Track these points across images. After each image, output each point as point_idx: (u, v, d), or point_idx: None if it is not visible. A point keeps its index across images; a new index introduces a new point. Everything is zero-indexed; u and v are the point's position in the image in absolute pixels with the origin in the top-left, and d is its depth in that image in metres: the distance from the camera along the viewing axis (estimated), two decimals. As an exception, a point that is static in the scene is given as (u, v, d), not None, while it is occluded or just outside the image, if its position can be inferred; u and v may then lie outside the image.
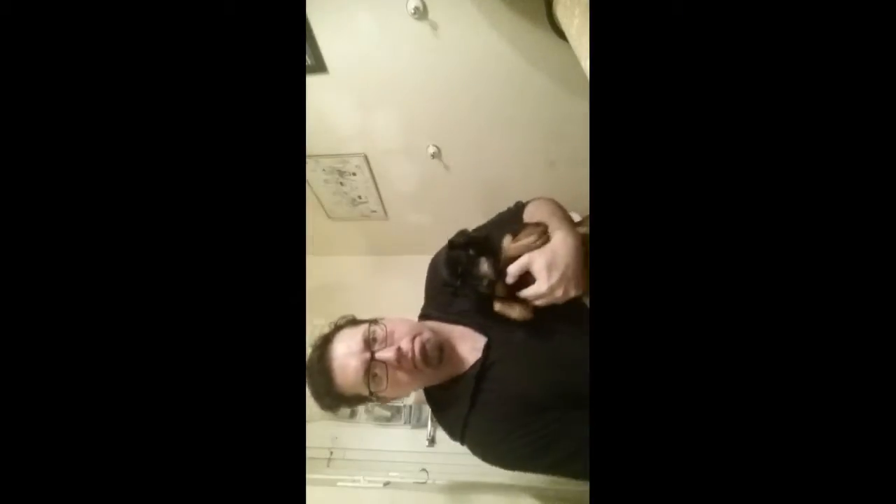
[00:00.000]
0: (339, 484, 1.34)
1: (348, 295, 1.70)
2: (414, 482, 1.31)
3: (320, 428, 1.52)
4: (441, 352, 0.64)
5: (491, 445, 0.62)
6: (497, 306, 0.66)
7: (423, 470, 1.31)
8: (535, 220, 0.67)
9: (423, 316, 0.76)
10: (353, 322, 0.69)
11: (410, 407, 1.53)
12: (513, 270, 0.60)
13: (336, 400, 0.64)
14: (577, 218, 0.72)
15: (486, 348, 0.67)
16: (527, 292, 0.60)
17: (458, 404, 0.65)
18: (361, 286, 1.72)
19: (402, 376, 0.62)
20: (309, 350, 0.66)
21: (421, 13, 1.03)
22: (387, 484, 1.33)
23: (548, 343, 0.65)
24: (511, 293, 0.63)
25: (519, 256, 0.61)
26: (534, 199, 0.72)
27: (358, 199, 1.56)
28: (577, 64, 0.67)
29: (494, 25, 1.06)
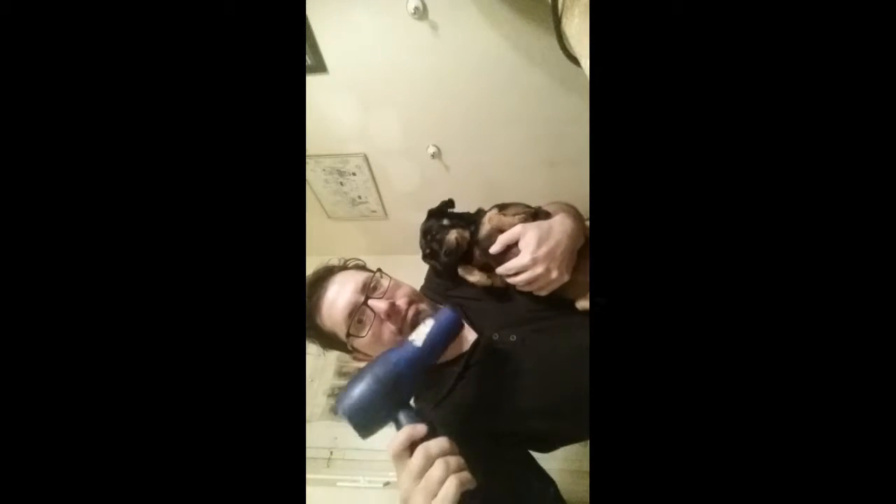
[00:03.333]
0: (339, 484, 1.34)
1: (348, 295, 1.69)
2: (414, 482, 1.30)
3: (320, 428, 1.51)
4: None
5: None
6: (459, 270, 0.66)
7: (423, 470, 1.31)
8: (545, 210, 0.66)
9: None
10: (363, 268, 0.68)
11: (410, 407, 1.52)
12: (501, 239, 0.58)
13: (312, 330, 0.62)
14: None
15: (475, 345, 0.65)
16: (508, 265, 0.57)
17: (431, 395, 0.63)
18: (361, 286, 1.71)
19: (385, 332, 0.60)
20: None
21: (421, 13, 1.03)
22: (387, 484, 1.33)
23: (535, 360, 0.62)
24: (491, 264, 0.62)
25: (501, 226, 0.60)
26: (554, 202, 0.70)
27: (358, 199, 1.56)
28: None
29: (494, 25, 1.06)
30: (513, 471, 0.59)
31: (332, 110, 1.27)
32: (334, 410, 0.47)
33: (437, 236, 0.64)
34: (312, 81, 1.18)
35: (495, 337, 0.65)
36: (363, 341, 0.60)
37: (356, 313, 0.59)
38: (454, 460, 0.42)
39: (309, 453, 1.44)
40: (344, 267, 0.67)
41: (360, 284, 0.61)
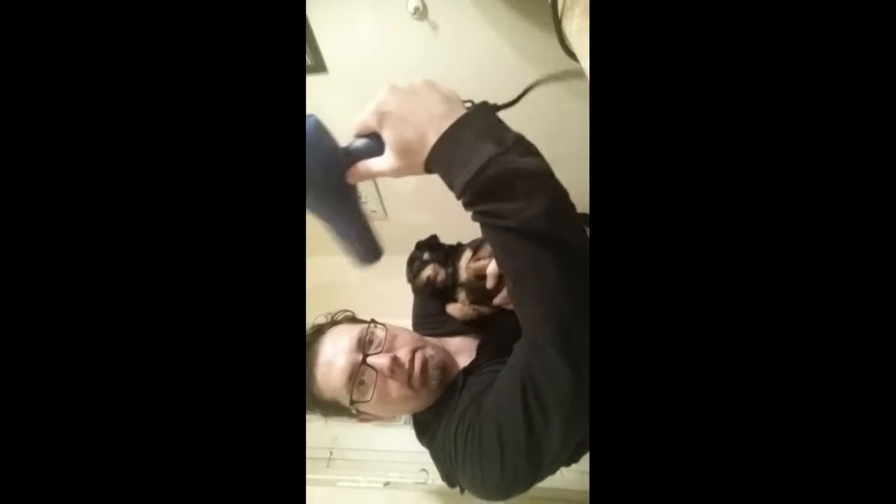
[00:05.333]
0: (339, 484, 1.34)
1: (348, 295, 1.70)
2: (414, 482, 1.31)
3: (320, 428, 1.51)
4: (443, 373, 0.57)
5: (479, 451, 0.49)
6: (447, 308, 0.69)
7: (423, 470, 1.31)
8: None
9: (416, 327, 0.72)
10: (353, 319, 0.63)
11: (410, 407, 1.52)
12: (491, 273, 0.58)
13: (312, 401, 0.57)
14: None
15: (481, 346, 0.62)
16: (501, 298, 0.58)
17: (446, 415, 0.55)
18: (361, 286, 1.72)
19: (392, 389, 0.54)
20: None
21: (421, 13, 1.03)
22: (387, 484, 1.33)
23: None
24: (483, 301, 0.65)
25: (478, 272, 0.63)
26: None
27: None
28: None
29: (494, 25, 1.06)
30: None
31: (332, 110, 1.27)
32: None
33: (415, 270, 0.67)
34: (312, 81, 1.18)
35: (498, 340, 0.60)
36: (369, 405, 0.54)
37: (356, 375, 0.53)
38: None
39: (309, 453, 1.44)
40: (333, 323, 0.61)
41: (354, 341, 0.55)
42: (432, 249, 0.68)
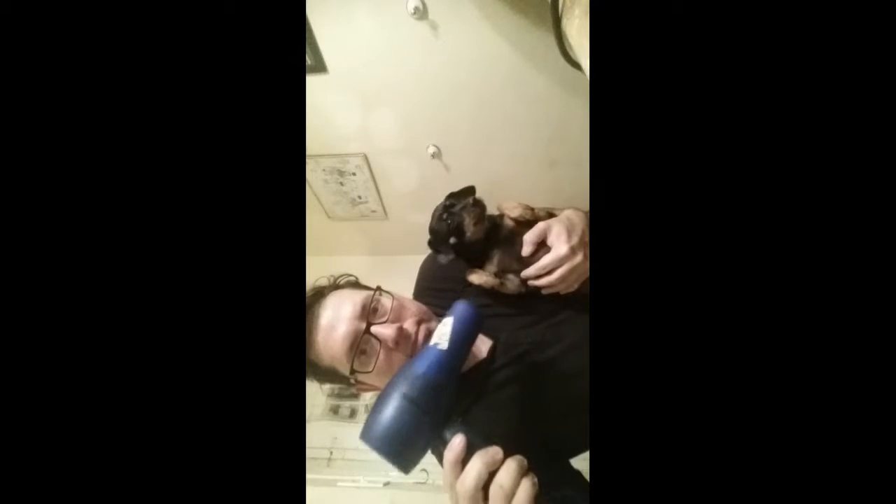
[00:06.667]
0: (339, 484, 1.34)
1: (348, 295, 1.70)
2: (414, 482, 1.31)
3: (320, 428, 1.52)
4: None
5: None
6: (470, 275, 0.62)
7: (424, 470, 1.31)
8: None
9: (418, 299, 0.67)
10: (356, 285, 0.60)
11: (410, 407, 1.52)
12: (529, 238, 0.54)
13: (309, 366, 0.53)
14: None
15: (493, 350, 0.60)
16: (543, 261, 0.54)
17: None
18: (361, 286, 1.72)
19: (395, 362, 0.51)
20: None
21: (421, 13, 1.03)
22: (387, 484, 1.33)
23: (557, 357, 0.57)
24: (512, 268, 0.59)
25: (519, 217, 0.59)
26: None
27: (358, 199, 1.57)
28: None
29: (494, 25, 1.06)
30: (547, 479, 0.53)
31: (332, 110, 1.27)
32: (367, 441, 0.37)
33: (460, 210, 0.59)
34: (312, 81, 1.18)
35: (512, 340, 0.60)
36: (369, 376, 0.52)
37: (358, 344, 0.51)
38: (520, 461, 0.36)
39: (309, 453, 1.45)
40: (335, 286, 0.58)
41: (358, 308, 0.52)
42: (470, 199, 0.60)
